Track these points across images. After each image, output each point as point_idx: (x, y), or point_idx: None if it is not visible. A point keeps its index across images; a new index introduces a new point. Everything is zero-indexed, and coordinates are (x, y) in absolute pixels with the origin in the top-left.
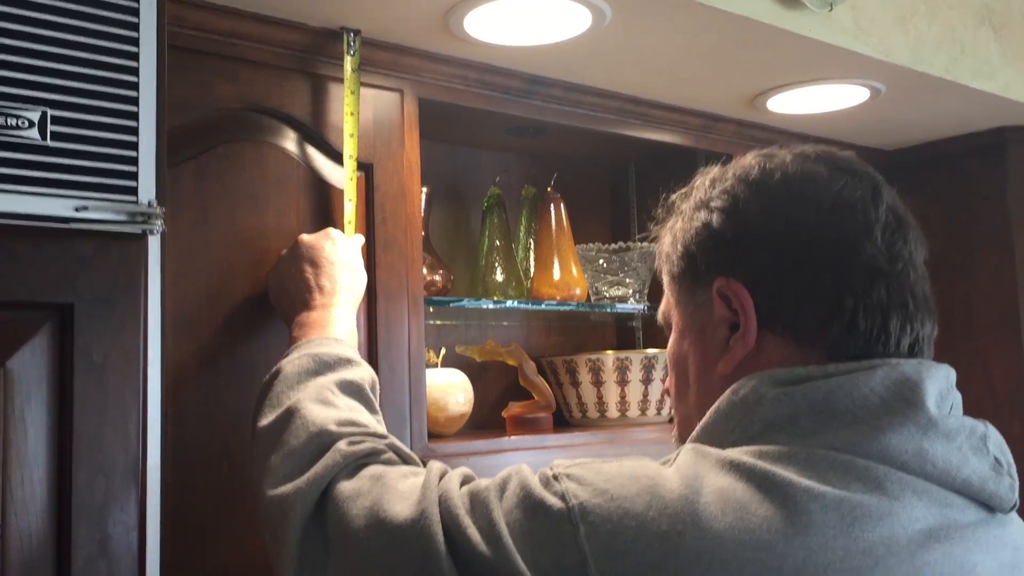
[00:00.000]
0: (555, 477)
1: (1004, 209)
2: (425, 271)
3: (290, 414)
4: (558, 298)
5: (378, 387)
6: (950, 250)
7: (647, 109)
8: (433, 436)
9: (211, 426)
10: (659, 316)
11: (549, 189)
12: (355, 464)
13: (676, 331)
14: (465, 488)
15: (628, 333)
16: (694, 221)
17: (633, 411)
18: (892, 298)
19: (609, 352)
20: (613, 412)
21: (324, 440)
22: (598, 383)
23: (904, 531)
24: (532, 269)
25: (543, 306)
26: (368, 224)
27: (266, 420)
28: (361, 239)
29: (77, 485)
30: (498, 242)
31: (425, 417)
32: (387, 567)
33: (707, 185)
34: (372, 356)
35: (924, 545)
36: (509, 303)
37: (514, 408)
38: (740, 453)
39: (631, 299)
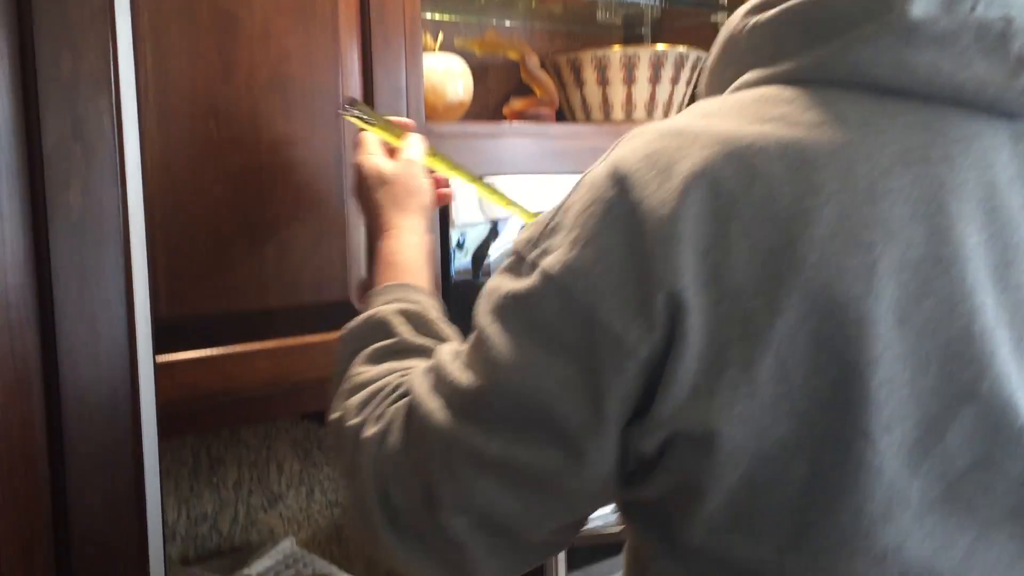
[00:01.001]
0: (531, 264)
1: None
2: None
3: (336, 422)
4: None
5: (430, 312)
6: None
7: None
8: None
9: (194, 81)
10: None
11: None
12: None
13: None
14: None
15: (636, 38)
16: None
17: (639, 113)
18: None
19: (616, 47)
20: (618, 114)
21: (352, 436)
22: (603, 83)
23: (866, 161)
24: None
25: None
26: None
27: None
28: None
29: (41, 62)
30: None
31: (423, 96)
32: None
33: None
34: (364, 24)
35: (889, 171)
36: None
37: (515, 103)
38: (693, 109)
39: None
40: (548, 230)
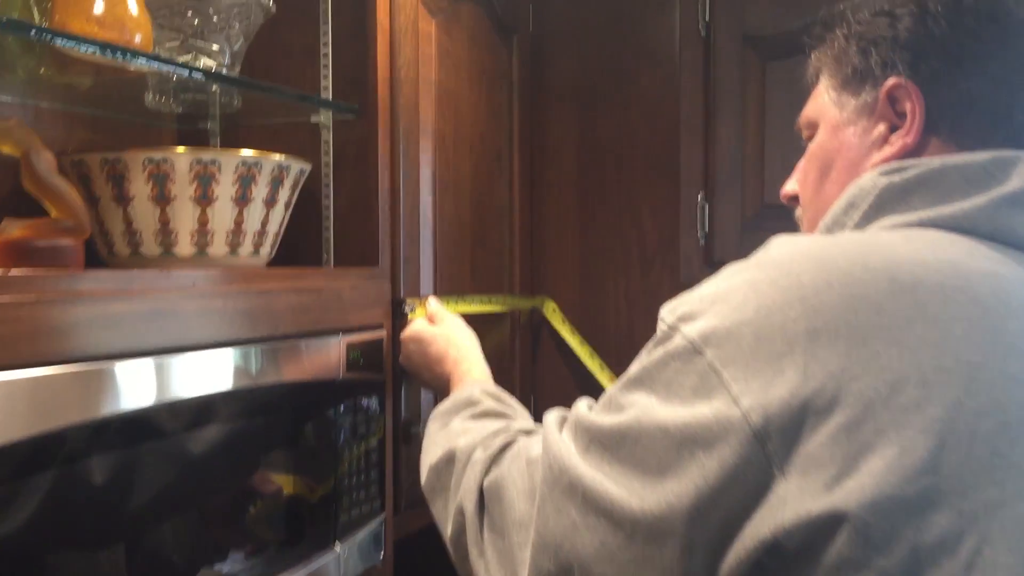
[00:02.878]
0: (670, 328)
1: (670, 24)
2: None
3: (447, 456)
4: (101, 39)
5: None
6: (603, 75)
7: None
8: None
9: None
10: (801, 120)
11: None
12: (494, 461)
13: (828, 128)
14: (574, 436)
15: (198, 137)
16: (874, 24)
17: (218, 247)
18: None
19: (182, 150)
20: (186, 247)
21: (462, 460)
22: (163, 199)
23: (979, 278)
24: None
25: (70, 43)
26: None
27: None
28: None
29: None
30: None
31: None
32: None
33: None
34: None
35: (1010, 296)
36: None
37: (13, 229)
38: (836, 235)
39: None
40: (687, 300)
